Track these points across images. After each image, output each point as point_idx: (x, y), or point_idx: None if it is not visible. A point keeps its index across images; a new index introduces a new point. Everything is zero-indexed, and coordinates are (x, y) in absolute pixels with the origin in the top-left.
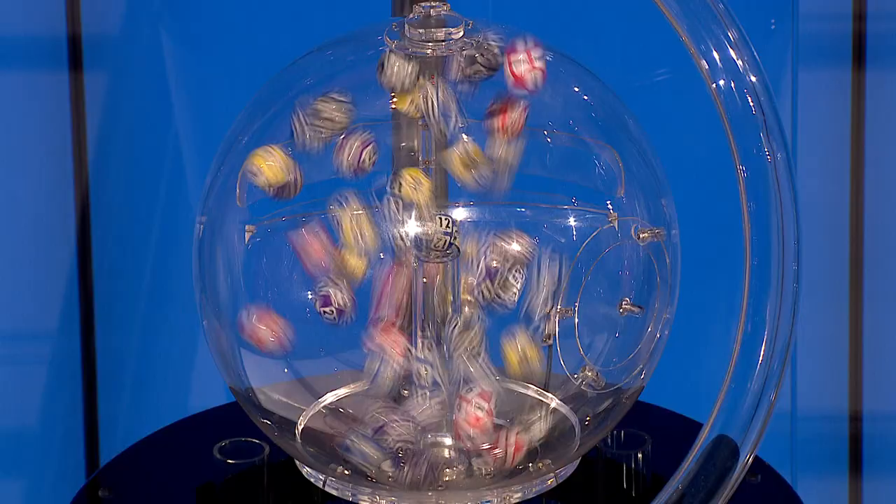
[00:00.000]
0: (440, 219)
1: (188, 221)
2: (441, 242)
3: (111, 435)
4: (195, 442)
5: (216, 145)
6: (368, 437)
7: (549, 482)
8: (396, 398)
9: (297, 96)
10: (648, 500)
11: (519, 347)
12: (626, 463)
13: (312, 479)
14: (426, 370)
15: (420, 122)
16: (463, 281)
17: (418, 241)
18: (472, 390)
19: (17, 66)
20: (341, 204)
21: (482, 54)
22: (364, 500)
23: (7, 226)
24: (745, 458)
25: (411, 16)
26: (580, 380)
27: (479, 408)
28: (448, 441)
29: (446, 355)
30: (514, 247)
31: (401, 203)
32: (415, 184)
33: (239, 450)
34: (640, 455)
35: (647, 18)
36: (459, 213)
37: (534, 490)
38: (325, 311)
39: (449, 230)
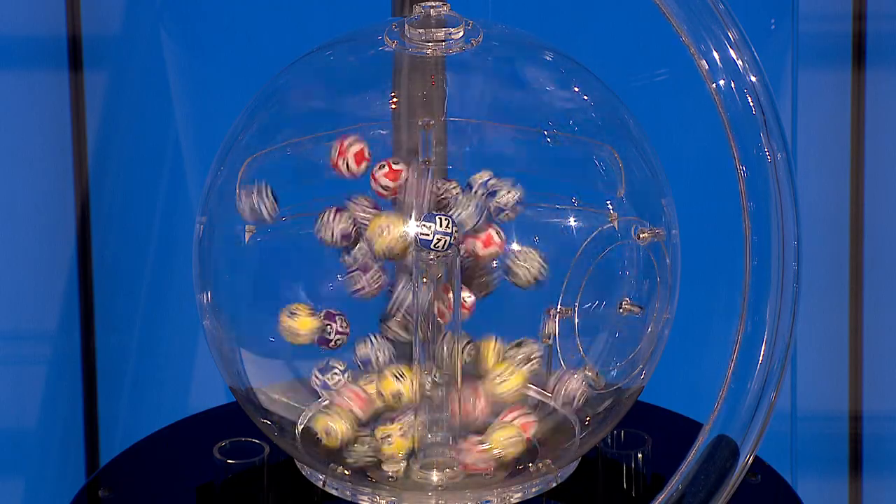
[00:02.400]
0: (440, 219)
1: (188, 221)
2: (441, 243)
3: (111, 435)
4: (195, 442)
5: (216, 145)
6: None
7: (549, 482)
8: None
9: (298, 96)
10: (648, 500)
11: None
12: (626, 463)
13: (312, 479)
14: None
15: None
16: None
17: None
18: None
19: (17, 66)
20: None
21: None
22: (364, 500)
23: (7, 226)
24: (745, 458)
25: (411, 16)
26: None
27: None
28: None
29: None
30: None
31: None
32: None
33: (239, 450)
34: (640, 455)
35: (647, 18)
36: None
37: (534, 490)
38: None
39: (448, 230)
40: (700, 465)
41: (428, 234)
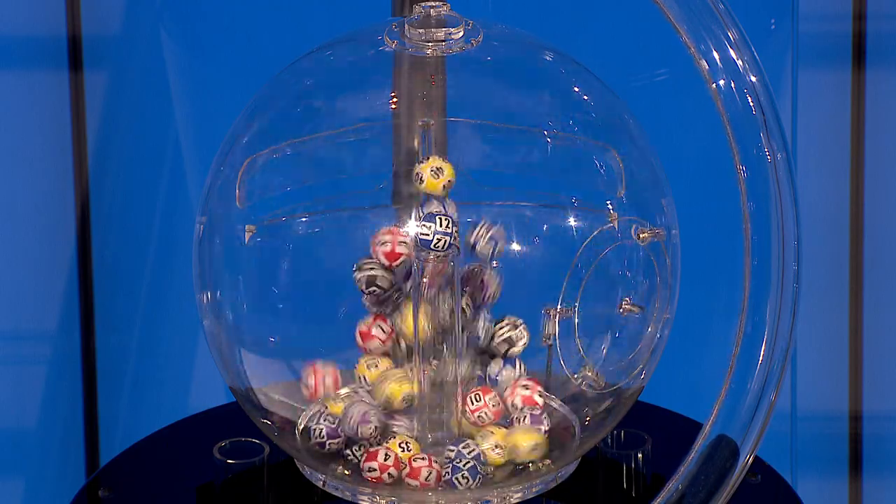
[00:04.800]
0: (440, 219)
1: (188, 221)
2: (441, 242)
3: (111, 435)
4: (195, 442)
5: (216, 145)
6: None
7: (549, 482)
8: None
9: (298, 96)
10: (648, 500)
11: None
12: (626, 463)
13: (312, 479)
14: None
15: (420, 122)
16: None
17: (418, 242)
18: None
19: (17, 66)
20: None
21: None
22: (364, 500)
23: (7, 226)
24: (745, 458)
25: (411, 16)
26: (580, 380)
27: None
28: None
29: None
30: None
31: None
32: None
33: (239, 450)
34: (640, 455)
35: (647, 18)
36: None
37: (534, 490)
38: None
39: (448, 230)
40: (700, 465)
41: (428, 234)
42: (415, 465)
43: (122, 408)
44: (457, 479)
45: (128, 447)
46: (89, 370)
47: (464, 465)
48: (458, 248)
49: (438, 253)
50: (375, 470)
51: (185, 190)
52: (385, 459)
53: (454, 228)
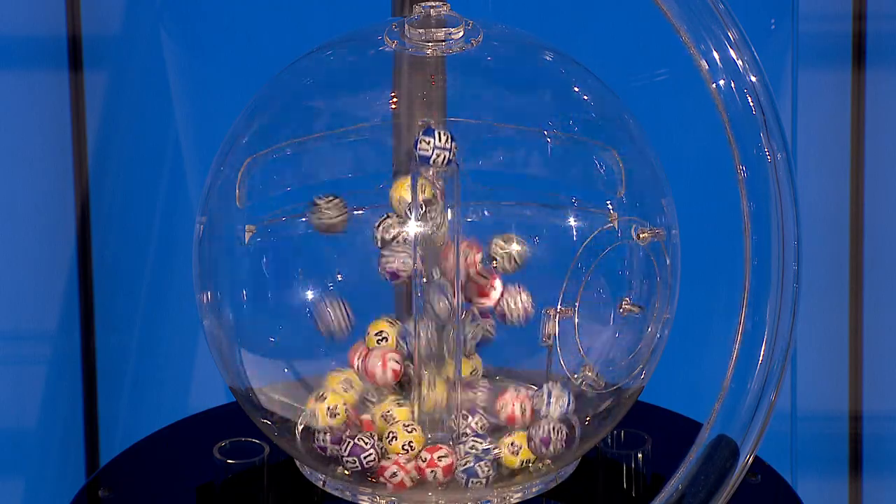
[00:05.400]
0: (439, 133)
1: (188, 221)
2: (440, 158)
3: (111, 435)
4: (195, 442)
5: (216, 145)
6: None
7: (549, 482)
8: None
9: (298, 96)
10: (648, 500)
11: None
12: (626, 463)
13: (312, 479)
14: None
15: (420, 122)
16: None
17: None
18: None
19: (17, 66)
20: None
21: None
22: (364, 500)
23: (7, 226)
24: (745, 458)
25: (411, 16)
26: (580, 380)
27: None
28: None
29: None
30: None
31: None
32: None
33: (239, 450)
34: (640, 455)
35: (647, 18)
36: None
37: (534, 490)
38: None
39: (447, 146)
40: (700, 465)
41: (427, 150)
42: (435, 454)
43: (122, 408)
44: (478, 466)
45: (128, 447)
46: (89, 370)
47: (484, 456)
48: (457, 164)
49: (438, 168)
50: (396, 475)
51: (185, 190)
52: (406, 462)
53: (453, 144)
